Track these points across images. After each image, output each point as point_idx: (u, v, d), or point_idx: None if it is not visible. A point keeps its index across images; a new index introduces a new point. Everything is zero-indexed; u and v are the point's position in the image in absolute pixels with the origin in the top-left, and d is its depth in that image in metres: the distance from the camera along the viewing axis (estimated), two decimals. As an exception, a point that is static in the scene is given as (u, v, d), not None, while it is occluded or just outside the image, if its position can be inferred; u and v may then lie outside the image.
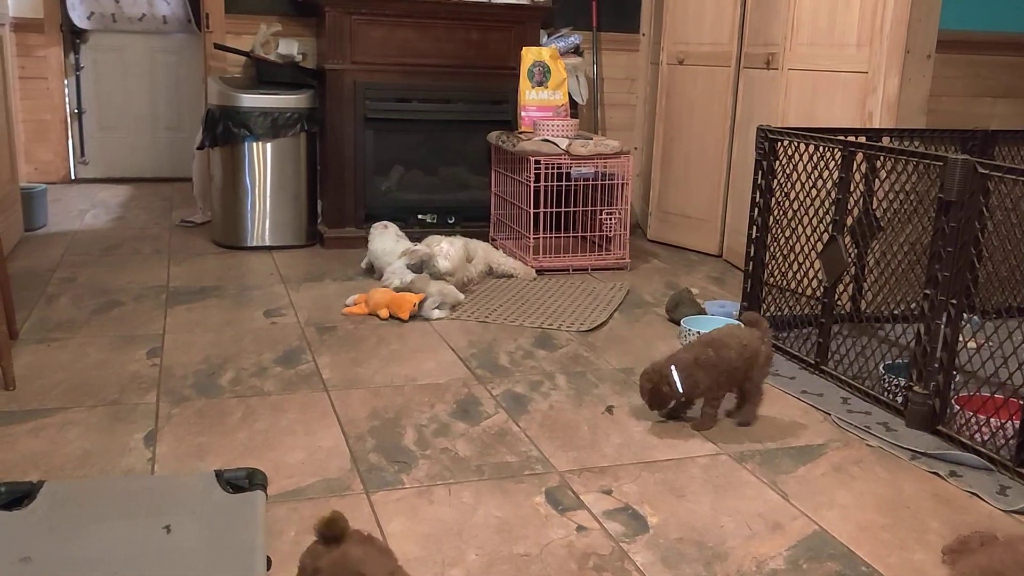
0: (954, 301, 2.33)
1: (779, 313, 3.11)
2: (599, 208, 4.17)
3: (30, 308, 3.25)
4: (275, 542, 1.77)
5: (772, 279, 3.11)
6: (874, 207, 2.88)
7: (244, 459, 2.14)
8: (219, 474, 1.54)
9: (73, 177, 6.13)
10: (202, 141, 4.29)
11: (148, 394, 2.52)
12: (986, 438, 2.27)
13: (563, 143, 3.96)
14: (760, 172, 3.06)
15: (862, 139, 3.03)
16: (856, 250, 2.90)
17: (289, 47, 4.41)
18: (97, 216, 4.98)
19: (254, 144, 4.16)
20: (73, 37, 6.05)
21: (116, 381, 2.61)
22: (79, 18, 5.99)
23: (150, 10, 6.15)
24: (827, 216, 2.84)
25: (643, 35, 5.03)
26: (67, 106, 6.03)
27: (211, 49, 4.47)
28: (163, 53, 6.30)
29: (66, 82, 6.01)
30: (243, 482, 1.52)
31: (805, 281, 2.98)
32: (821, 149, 2.85)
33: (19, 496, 1.48)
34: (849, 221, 2.82)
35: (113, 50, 6.20)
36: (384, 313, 3.24)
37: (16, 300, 3.14)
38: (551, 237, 4.07)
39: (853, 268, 2.96)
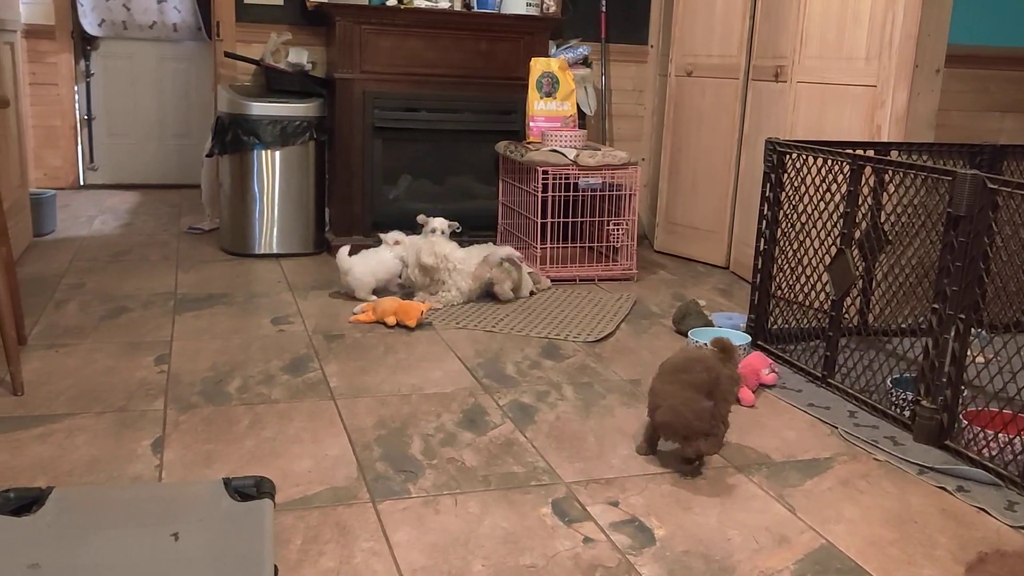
0: (963, 315, 2.33)
1: (786, 326, 3.10)
2: (606, 219, 4.17)
3: (38, 314, 3.26)
4: (282, 550, 1.78)
5: (780, 292, 3.10)
6: (882, 221, 2.88)
7: (251, 467, 2.14)
8: (227, 482, 1.54)
9: (82, 183, 6.16)
10: (211, 148, 4.31)
11: (156, 401, 2.52)
12: (994, 453, 2.26)
13: (571, 154, 3.97)
14: (768, 185, 3.06)
15: (870, 153, 3.03)
16: (864, 264, 2.90)
17: (299, 56, 4.43)
18: (105, 222, 4.99)
19: (263, 152, 4.18)
20: (84, 44, 6.09)
21: (124, 388, 2.61)
22: (90, 25, 6.03)
23: (160, 18, 6.19)
24: (835, 229, 2.84)
25: (651, 47, 5.04)
26: (77, 112, 6.06)
27: (221, 57, 4.49)
28: (173, 61, 6.33)
29: (76, 88, 6.04)
30: (251, 490, 1.52)
31: (813, 294, 2.98)
32: (830, 162, 2.85)
33: (28, 502, 1.48)
34: (857, 234, 2.82)
35: (123, 57, 6.23)
36: (391, 320, 3.24)
37: (25, 306, 3.15)
38: (558, 247, 4.07)
39: (861, 281, 2.96)
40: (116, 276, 3.83)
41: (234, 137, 4.15)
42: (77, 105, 6.07)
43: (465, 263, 3.58)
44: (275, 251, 4.31)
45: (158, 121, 6.39)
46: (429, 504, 2.01)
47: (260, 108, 4.15)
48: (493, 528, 1.92)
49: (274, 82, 4.36)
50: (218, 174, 4.44)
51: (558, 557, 1.82)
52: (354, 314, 3.36)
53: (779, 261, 3.08)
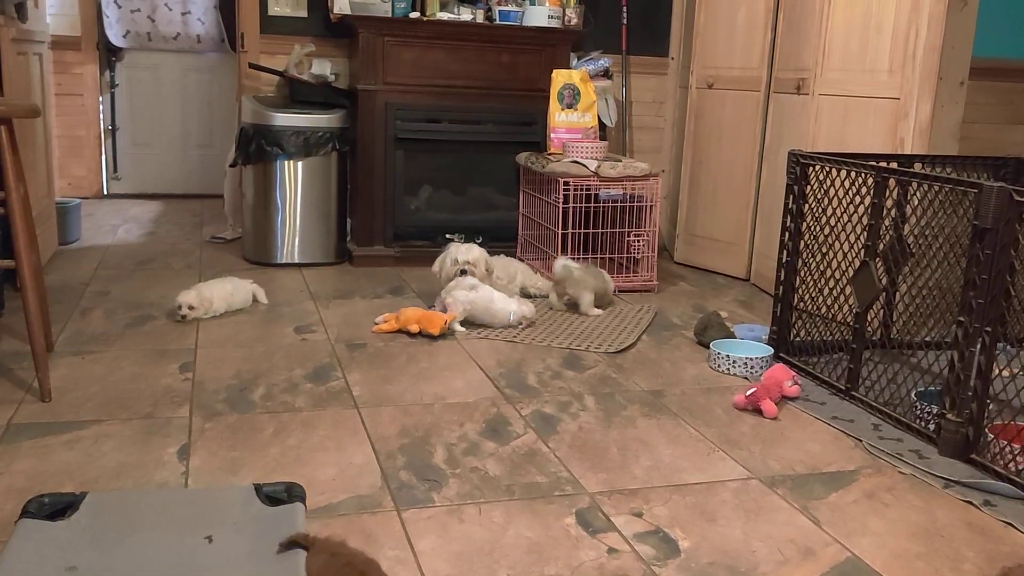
0: (988, 329, 2.32)
1: (809, 338, 3.10)
2: (627, 230, 4.18)
3: (64, 321, 3.30)
4: (308, 557, 1.78)
5: (802, 304, 3.10)
6: (906, 233, 2.87)
7: (276, 474, 2.15)
8: (258, 488, 1.55)
9: (105, 192, 6.22)
10: (235, 159, 4.34)
11: (181, 408, 2.54)
12: (1021, 467, 2.25)
13: (592, 165, 3.98)
14: (791, 196, 3.06)
15: (894, 165, 3.02)
16: (888, 276, 2.89)
17: (322, 67, 4.46)
18: (129, 231, 5.04)
19: (286, 162, 4.21)
20: (109, 55, 6.16)
21: (149, 395, 2.63)
22: (115, 36, 6.10)
23: (184, 29, 6.25)
24: (859, 241, 2.84)
25: (672, 59, 5.06)
26: (101, 122, 6.13)
27: (245, 68, 4.54)
28: (196, 72, 6.40)
29: (101, 99, 6.11)
30: (282, 495, 1.54)
31: (836, 306, 2.97)
32: (853, 174, 2.85)
33: (62, 507, 1.50)
34: (880, 247, 2.81)
35: (148, 68, 6.30)
36: (415, 328, 3.26)
37: (51, 313, 3.18)
38: (579, 259, 4.07)
39: (884, 294, 2.95)
40: (140, 284, 3.87)
41: (258, 148, 4.18)
42: (102, 115, 6.13)
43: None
44: (297, 260, 4.33)
45: (181, 131, 6.45)
46: (453, 513, 2.02)
47: (283, 119, 4.18)
48: (517, 538, 1.93)
49: (297, 93, 4.40)
50: (241, 184, 4.48)
51: (583, 567, 1.82)
52: (376, 324, 3.37)
53: (802, 273, 3.08)
